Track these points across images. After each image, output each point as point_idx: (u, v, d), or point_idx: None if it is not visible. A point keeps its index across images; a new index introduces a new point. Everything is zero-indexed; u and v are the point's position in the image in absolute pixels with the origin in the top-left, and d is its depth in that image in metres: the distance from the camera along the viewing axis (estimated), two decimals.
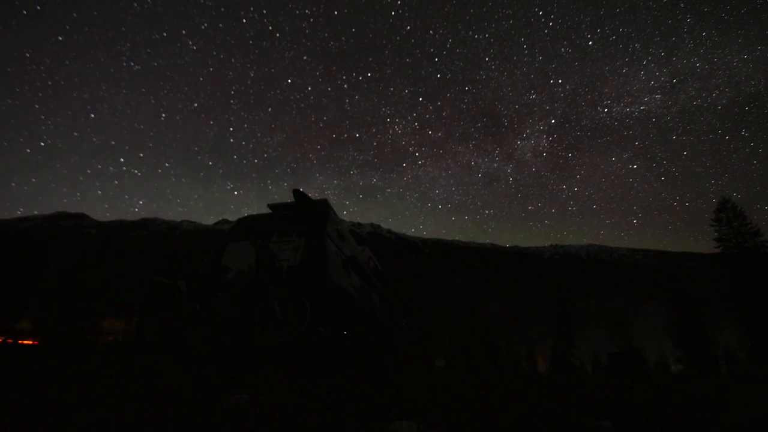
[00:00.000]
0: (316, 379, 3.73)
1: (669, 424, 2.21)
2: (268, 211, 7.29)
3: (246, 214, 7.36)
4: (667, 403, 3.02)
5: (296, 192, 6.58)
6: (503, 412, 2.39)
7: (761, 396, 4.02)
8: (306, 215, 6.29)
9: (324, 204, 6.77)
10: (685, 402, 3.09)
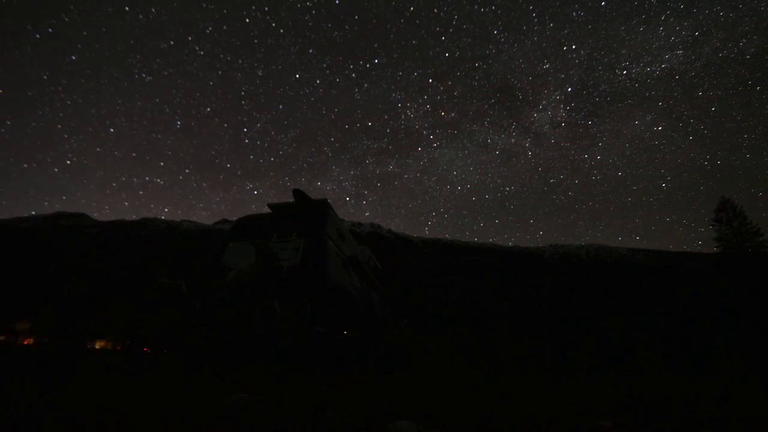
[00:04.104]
0: (316, 379, 3.73)
1: (669, 424, 2.21)
2: (269, 210, 7.29)
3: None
4: (667, 403, 3.03)
5: (296, 192, 6.58)
6: (503, 412, 2.40)
7: (760, 396, 4.02)
8: (306, 215, 6.29)
9: (324, 204, 6.76)
10: (684, 402, 3.09)
